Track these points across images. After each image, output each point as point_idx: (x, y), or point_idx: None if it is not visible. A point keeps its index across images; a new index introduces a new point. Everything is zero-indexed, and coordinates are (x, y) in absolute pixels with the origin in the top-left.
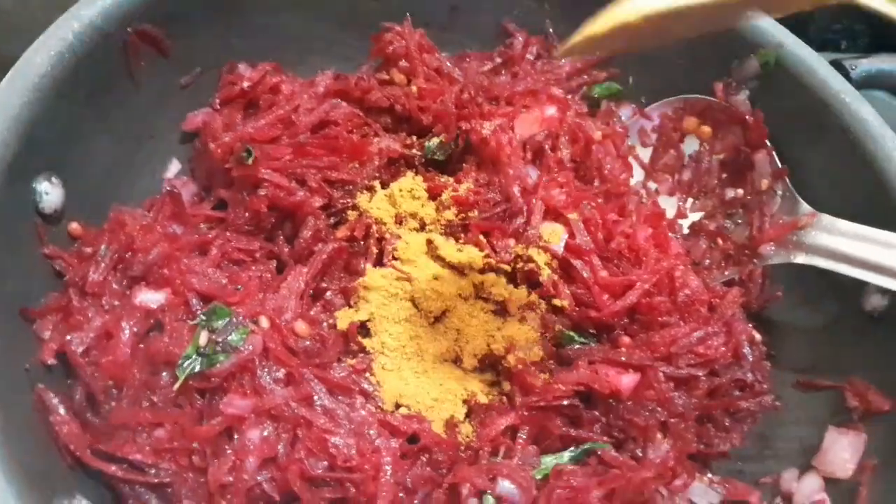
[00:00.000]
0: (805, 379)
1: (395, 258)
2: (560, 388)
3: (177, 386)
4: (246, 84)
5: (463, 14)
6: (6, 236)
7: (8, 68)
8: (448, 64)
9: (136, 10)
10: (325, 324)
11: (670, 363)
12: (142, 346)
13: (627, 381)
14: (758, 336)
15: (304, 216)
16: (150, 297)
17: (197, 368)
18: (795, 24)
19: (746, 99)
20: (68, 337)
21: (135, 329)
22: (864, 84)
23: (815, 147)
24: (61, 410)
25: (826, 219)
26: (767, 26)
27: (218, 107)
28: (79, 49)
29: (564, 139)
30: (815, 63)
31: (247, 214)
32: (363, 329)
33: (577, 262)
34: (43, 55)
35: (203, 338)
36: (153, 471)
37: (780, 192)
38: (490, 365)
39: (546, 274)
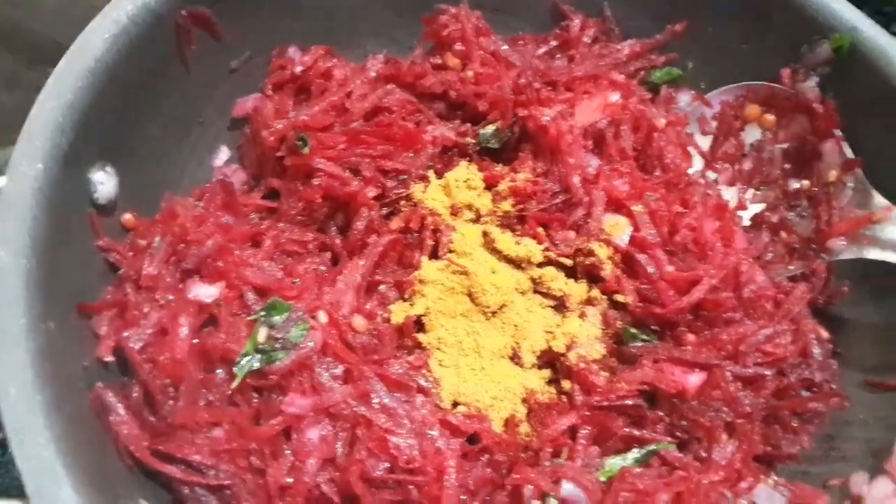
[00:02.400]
0: (873, 378)
1: (450, 251)
2: (623, 388)
3: (235, 384)
4: (298, 69)
5: None
6: (62, 228)
7: (44, 50)
8: (505, 48)
9: None
10: (379, 318)
11: (737, 362)
12: (196, 341)
13: (694, 380)
14: (824, 333)
15: (358, 207)
16: (204, 291)
17: (256, 366)
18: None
19: (816, 86)
20: (126, 333)
21: (191, 324)
22: None
23: (891, 138)
24: (120, 410)
25: None
26: (841, 8)
27: (269, 92)
28: (132, 31)
29: (626, 127)
30: (891, 50)
31: (300, 205)
32: (418, 324)
33: (641, 257)
34: (97, 38)
35: (262, 334)
36: (212, 472)
37: (850, 184)
38: (548, 362)
39: (608, 268)
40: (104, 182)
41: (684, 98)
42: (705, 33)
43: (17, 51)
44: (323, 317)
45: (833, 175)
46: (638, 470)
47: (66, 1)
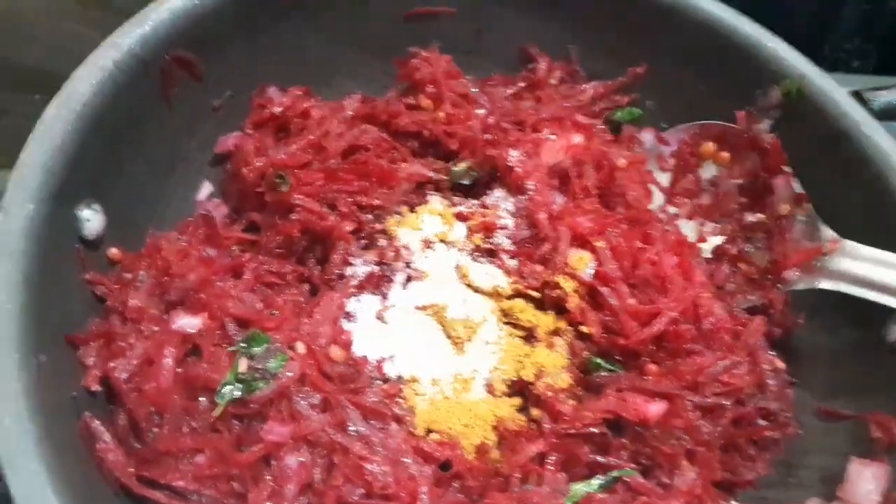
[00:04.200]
0: (827, 407)
1: (423, 282)
2: (589, 416)
3: (217, 412)
4: (277, 109)
5: (487, 38)
6: (51, 263)
7: (29, 77)
8: (474, 90)
9: (173, 36)
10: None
11: (697, 392)
12: (180, 370)
13: (655, 409)
14: (780, 364)
15: (336, 240)
16: (187, 322)
17: (236, 395)
18: (810, 44)
19: (769, 128)
20: (112, 364)
21: (174, 355)
22: (884, 115)
23: (836, 177)
24: (107, 438)
25: (849, 244)
26: (791, 57)
27: (249, 130)
28: (119, 77)
29: (589, 166)
30: (836, 94)
31: (279, 238)
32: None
33: (604, 290)
34: (85, 84)
35: (243, 364)
36: (195, 497)
37: (801, 218)
38: (518, 391)
39: (574, 301)
40: (91, 219)
41: (647, 137)
42: (665, 76)
43: (5, 79)
44: (301, 347)
45: (785, 209)
46: (602, 496)
47: (53, 30)
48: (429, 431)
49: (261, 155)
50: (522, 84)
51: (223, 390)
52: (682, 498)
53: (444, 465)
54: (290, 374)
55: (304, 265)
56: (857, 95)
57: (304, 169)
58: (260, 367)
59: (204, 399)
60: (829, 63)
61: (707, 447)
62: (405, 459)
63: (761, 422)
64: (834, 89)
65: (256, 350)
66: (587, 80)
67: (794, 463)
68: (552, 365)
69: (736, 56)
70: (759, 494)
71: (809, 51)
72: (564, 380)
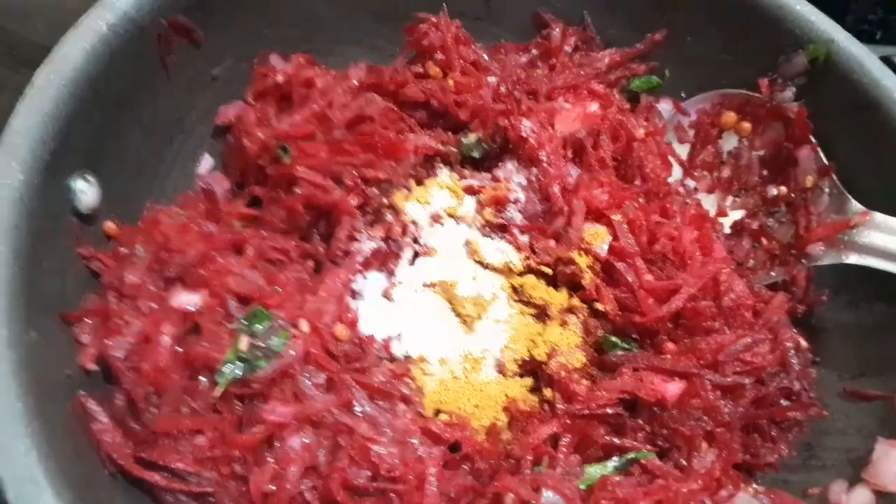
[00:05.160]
0: (852, 388)
1: (432, 258)
2: (604, 396)
3: (217, 392)
4: (280, 78)
5: (498, 3)
6: (43, 237)
7: (24, 54)
8: (485, 57)
9: (171, 0)
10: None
11: (716, 371)
12: (179, 349)
13: (673, 388)
14: (803, 342)
15: (341, 215)
16: (187, 299)
17: (238, 374)
18: (832, 14)
19: (792, 96)
20: (108, 342)
21: (173, 333)
22: None
23: (865, 146)
24: (103, 418)
25: (879, 217)
26: (817, 20)
27: (251, 100)
28: (113, 41)
29: (606, 137)
30: (866, 60)
31: (282, 213)
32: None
33: (620, 265)
34: (77, 49)
35: (244, 343)
36: (195, 479)
37: (827, 190)
38: (530, 370)
39: (588, 277)
40: (85, 191)
41: (664, 107)
42: (685, 42)
43: (2, 54)
44: (305, 325)
45: (810, 181)
46: (618, 478)
47: (52, 4)
48: (437, 412)
49: (263, 126)
50: (535, 51)
51: (224, 369)
52: (700, 480)
53: (454, 447)
54: (293, 352)
55: (309, 241)
56: (888, 62)
57: (307, 140)
58: (262, 345)
59: (205, 379)
60: (852, 35)
61: (727, 428)
62: (413, 440)
63: (783, 402)
64: (864, 55)
65: (258, 327)
66: (603, 48)
67: (817, 445)
68: (565, 344)
69: (760, 20)
70: (781, 477)
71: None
72: (578, 359)
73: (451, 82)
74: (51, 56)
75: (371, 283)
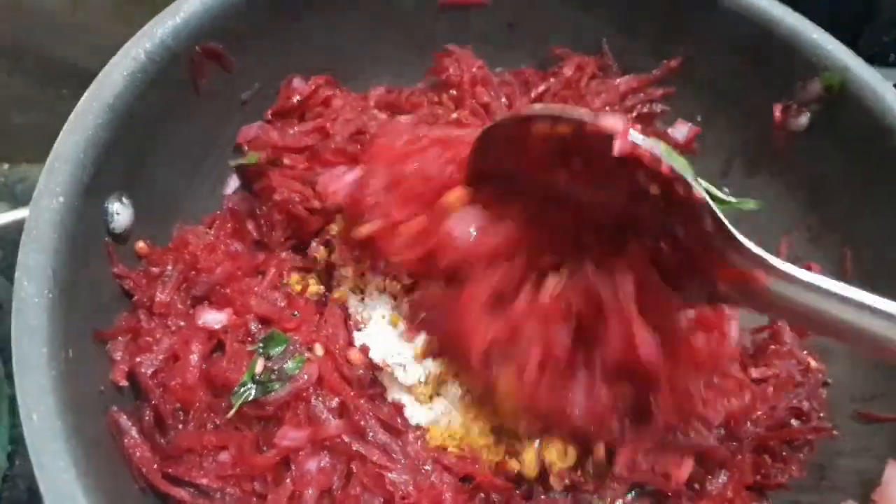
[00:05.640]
0: (864, 410)
1: None
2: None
3: (230, 413)
4: (297, 98)
5: (518, 31)
6: (81, 257)
7: (57, 71)
8: (503, 101)
9: (205, 28)
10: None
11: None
12: (205, 366)
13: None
14: (814, 363)
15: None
16: (213, 318)
17: (252, 396)
18: (845, 37)
19: (807, 122)
20: (138, 359)
21: (200, 350)
22: None
23: (879, 175)
24: (134, 433)
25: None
26: (833, 47)
27: (269, 118)
28: (150, 68)
29: None
30: (880, 88)
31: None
32: None
33: None
34: (117, 76)
35: (259, 365)
36: (218, 495)
37: None
38: None
39: None
40: (120, 212)
41: (681, 130)
42: (700, 68)
43: (30, 72)
44: (319, 349)
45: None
46: (630, 495)
47: (79, 23)
48: (445, 449)
49: (263, 140)
50: (552, 80)
51: (239, 390)
52: (713, 503)
53: (465, 478)
54: (306, 376)
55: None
56: None
57: (302, 153)
58: (276, 367)
59: (227, 398)
60: (865, 58)
61: (738, 450)
62: (426, 467)
63: (794, 422)
64: (878, 82)
65: (274, 351)
66: (620, 74)
67: (828, 465)
68: None
69: (776, 46)
70: (792, 497)
71: (844, 44)
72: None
73: (454, 115)
74: (93, 83)
75: (373, 308)
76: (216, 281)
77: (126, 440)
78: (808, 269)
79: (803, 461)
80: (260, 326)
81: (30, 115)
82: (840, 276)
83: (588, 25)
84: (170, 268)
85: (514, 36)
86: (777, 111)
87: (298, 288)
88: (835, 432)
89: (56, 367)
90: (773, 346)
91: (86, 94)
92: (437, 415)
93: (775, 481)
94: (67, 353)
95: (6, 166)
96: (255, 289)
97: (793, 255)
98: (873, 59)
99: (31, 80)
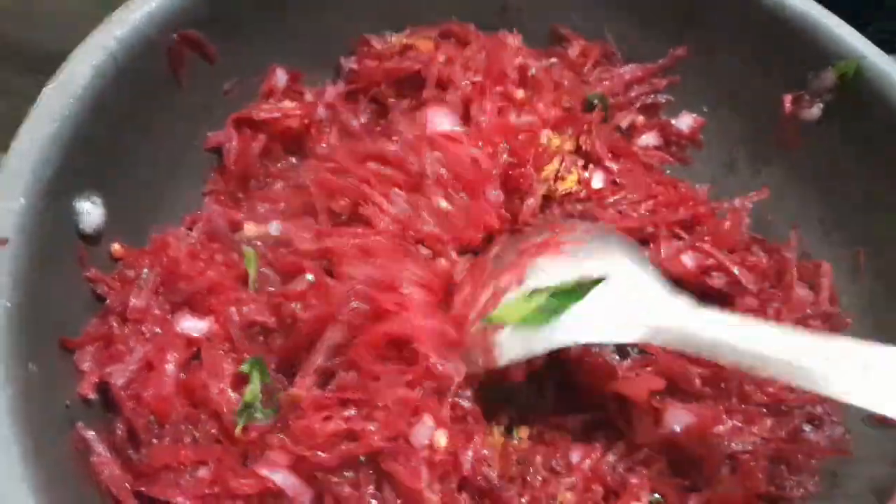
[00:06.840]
0: (879, 414)
1: None
2: None
3: (237, 431)
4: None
5: (512, 14)
6: (47, 259)
7: (31, 57)
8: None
9: (183, 14)
10: None
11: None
12: (183, 376)
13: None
14: None
15: None
16: (193, 325)
17: (258, 417)
18: (854, 24)
19: (819, 113)
20: (109, 369)
21: (177, 359)
22: None
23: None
24: (102, 450)
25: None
26: (849, 35)
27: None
28: (122, 57)
29: None
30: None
31: None
32: None
33: None
34: (84, 65)
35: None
36: None
37: None
38: None
39: None
40: (90, 212)
41: (686, 120)
42: (708, 56)
43: (7, 59)
44: None
45: None
46: None
47: (57, 10)
48: None
49: None
50: (555, 59)
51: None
52: None
53: None
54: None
55: None
56: None
57: None
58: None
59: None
60: (875, 45)
61: (752, 456)
62: None
63: (807, 426)
64: (894, 71)
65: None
66: (625, 62)
67: (841, 473)
68: None
69: (788, 34)
70: None
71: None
72: None
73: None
74: (56, 74)
75: None
76: (198, 290)
77: (94, 458)
78: (819, 267)
79: (816, 468)
80: (242, 335)
81: (4, 103)
82: (854, 272)
83: (588, 10)
84: (146, 271)
85: (506, 16)
86: (787, 102)
87: None
88: (848, 437)
89: (15, 385)
90: None
91: (49, 84)
92: None
93: (789, 494)
94: (29, 368)
95: None
96: (243, 296)
97: (804, 251)
98: (882, 47)
99: (8, 67)
